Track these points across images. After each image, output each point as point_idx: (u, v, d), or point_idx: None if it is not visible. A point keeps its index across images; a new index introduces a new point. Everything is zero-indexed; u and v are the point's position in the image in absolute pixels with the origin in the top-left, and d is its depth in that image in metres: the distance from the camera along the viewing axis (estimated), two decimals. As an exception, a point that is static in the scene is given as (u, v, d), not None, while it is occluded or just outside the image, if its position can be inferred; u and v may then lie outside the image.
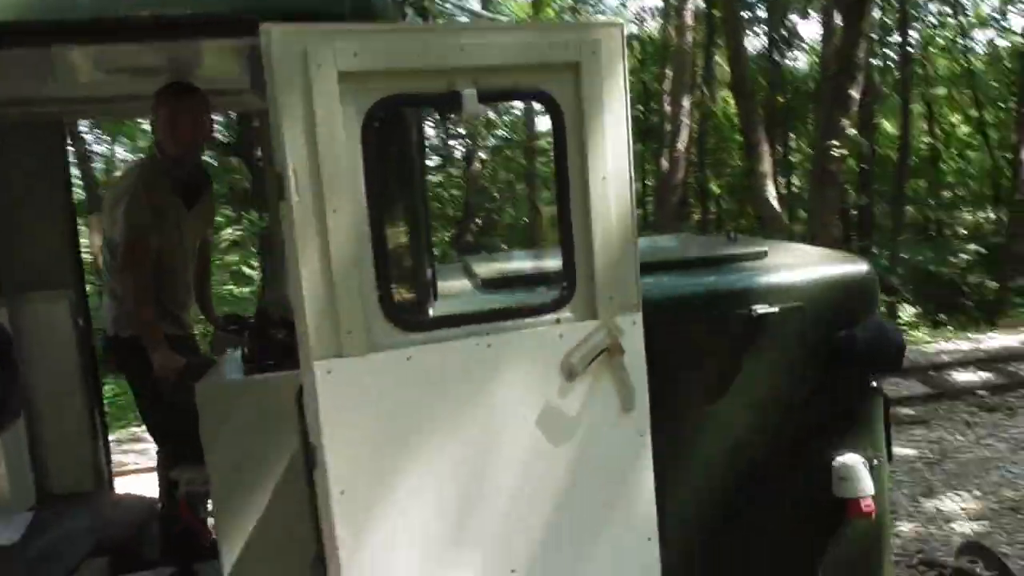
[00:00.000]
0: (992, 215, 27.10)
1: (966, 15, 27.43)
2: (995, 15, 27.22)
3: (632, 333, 2.15)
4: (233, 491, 2.74)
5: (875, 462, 2.63)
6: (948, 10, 27.39)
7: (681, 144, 19.90)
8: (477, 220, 23.50)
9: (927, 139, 28.96)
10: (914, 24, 27.24)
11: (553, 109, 2.06)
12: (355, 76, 1.90)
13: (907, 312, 25.04)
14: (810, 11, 26.00)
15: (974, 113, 27.58)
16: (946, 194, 28.28)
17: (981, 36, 29.43)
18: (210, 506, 3.07)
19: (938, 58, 28.87)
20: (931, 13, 27.98)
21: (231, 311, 3.88)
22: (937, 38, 28.17)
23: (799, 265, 2.71)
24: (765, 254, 2.81)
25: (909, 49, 26.89)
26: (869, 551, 2.73)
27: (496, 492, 2.10)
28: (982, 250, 23.34)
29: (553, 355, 2.13)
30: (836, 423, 2.64)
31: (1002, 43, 27.21)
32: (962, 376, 9.01)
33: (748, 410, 2.59)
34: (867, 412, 2.67)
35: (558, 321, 2.15)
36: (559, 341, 2.13)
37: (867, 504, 2.56)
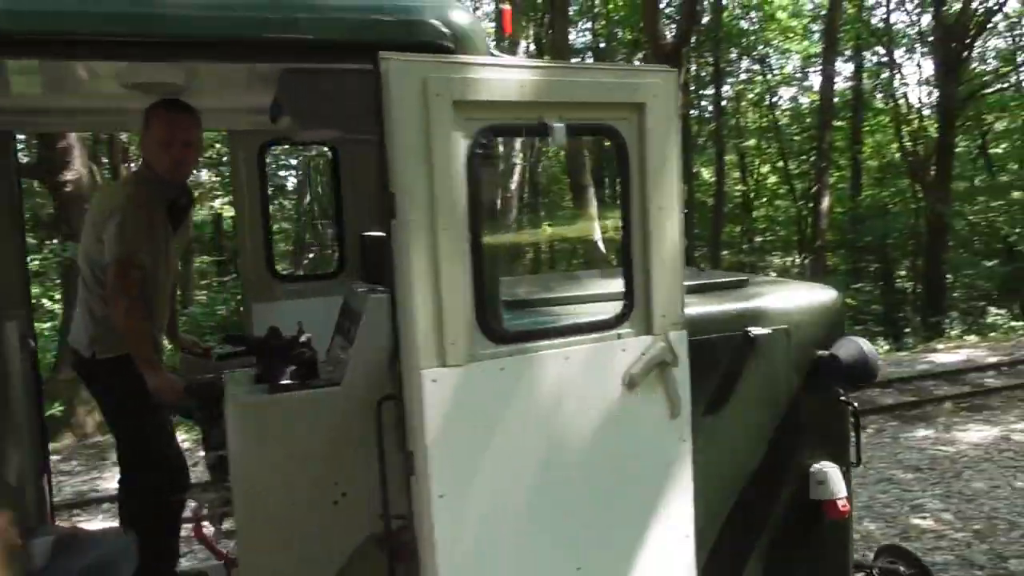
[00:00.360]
0: (797, 259, 30.17)
1: (772, 73, 30.92)
2: (798, 74, 30.88)
3: (680, 348, 2.50)
4: (260, 510, 2.76)
5: (844, 468, 3.13)
6: (757, 68, 30.74)
7: (513, 185, 20.83)
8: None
9: (740, 187, 32.04)
10: (727, 80, 30.35)
11: (619, 143, 2.39)
12: (466, 105, 2.14)
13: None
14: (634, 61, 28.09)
15: (781, 164, 30.94)
16: (758, 239, 31.38)
17: (786, 93, 33.20)
18: (224, 526, 3.03)
19: (748, 112, 32.21)
20: (742, 70, 31.29)
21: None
22: (748, 93, 31.47)
23: (779, 292, 3.20)
24: (747, 282, 3.28)
25: (722, 103, 29.95)
26: (839, 547, 3.23)
27: (569, 493, 2.36)
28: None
29: (616, 366, 2.44)
30: (813, 433, 3.12)
31: (804, 100, 30.75)
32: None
33: (743, 422, 3.01)
34: (839, 422, 3.18)
35: (619, 336, 2.46)
36: (621, 354, 2.44)
37: (843, 505, 3.04)
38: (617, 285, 2.54)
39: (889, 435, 8.62)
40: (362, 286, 3.24)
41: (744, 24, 29.95)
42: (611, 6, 28.28)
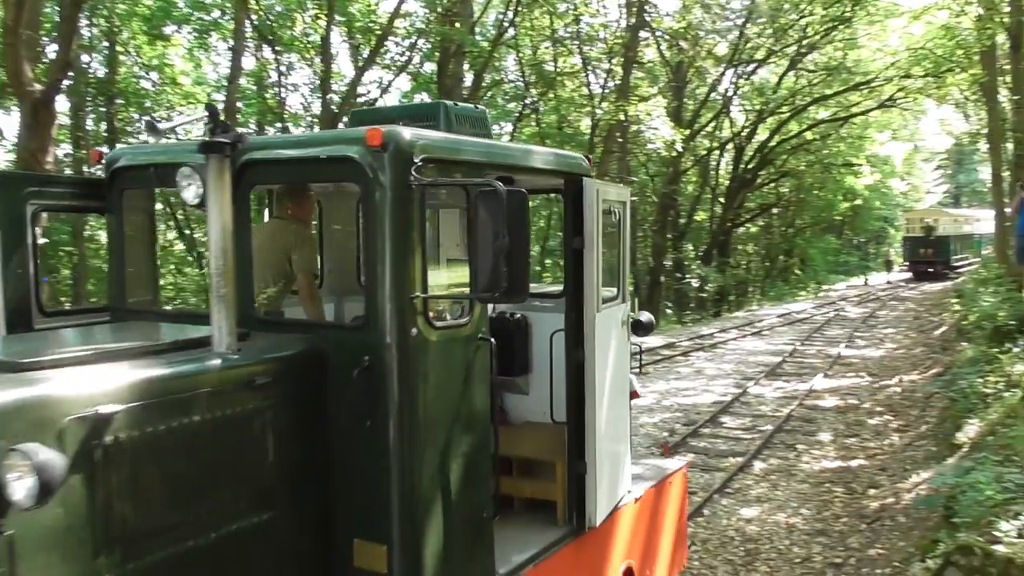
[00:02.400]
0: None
1: (177, 136, 33.04)
2: None
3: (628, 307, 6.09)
4: None
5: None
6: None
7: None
8: None
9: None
10: (125, 139, 31.37)
11: (620, 216, 5.92)
12: (605, 201, 5.43)
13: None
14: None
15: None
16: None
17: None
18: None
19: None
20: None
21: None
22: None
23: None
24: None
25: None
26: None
27: (619, 371, 5.76)
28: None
29: (619, 316, 5.88)
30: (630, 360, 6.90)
31: None
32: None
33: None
34: (633, 354, 7.03)
35: (619, 303, 5.93)
36: (619, 311, 5.89)
37: (638, 392, 6.78)
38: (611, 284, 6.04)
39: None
40: None
41: (146, 84, 31.57)
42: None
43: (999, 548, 4.76)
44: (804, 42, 39.33)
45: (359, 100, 29.64)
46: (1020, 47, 21.15)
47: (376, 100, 31.70)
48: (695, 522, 8.83)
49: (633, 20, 30.79)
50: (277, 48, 28.19)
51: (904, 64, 36.84)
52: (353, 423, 4.11)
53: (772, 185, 50.71)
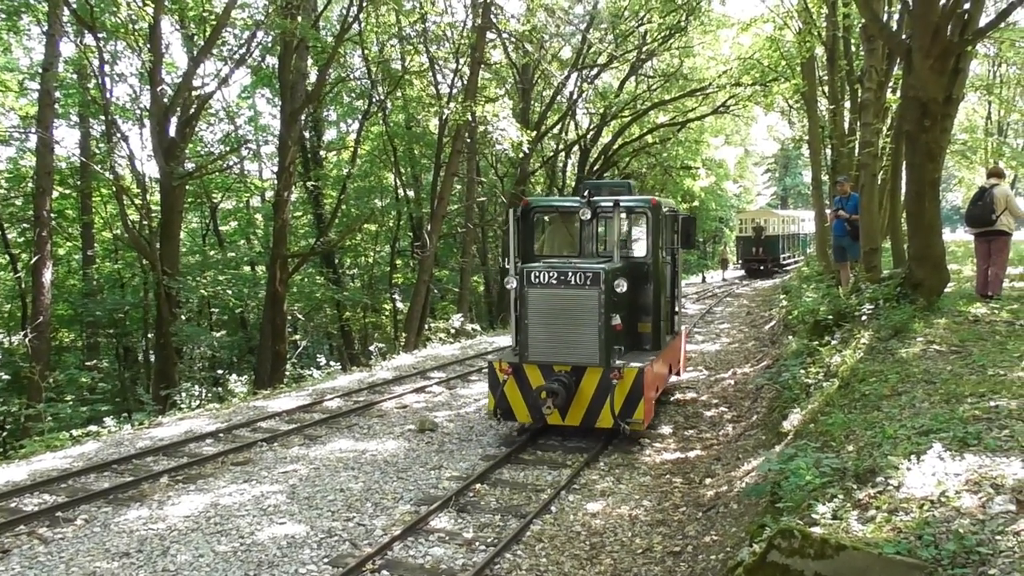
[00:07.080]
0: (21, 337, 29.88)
1: None
2: (17, 134, 31.43)
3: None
4: None
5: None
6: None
7: None
8: None
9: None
10: None
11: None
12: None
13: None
14: None
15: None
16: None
17: (3, 153, 33.16)
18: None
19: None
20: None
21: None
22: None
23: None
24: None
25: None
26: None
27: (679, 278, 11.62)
28: (5, 376, 26.30)
29: (680, 258, 12.29)
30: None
31: (26, 162, 31.40)
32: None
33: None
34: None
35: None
36: (681, 256, 11.67)
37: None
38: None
39: (100, 523, 9.16)
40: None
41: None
42: None
43: (816, 530, 5.08)
44: (643, 49, 40.83)
45: (194, 94, 28.28)
46: (835, 60, 22.75)
47: (213, 93, 30.34)
48: (543, 520, 8.99)
49: (479, 21, 30.97)
50: (100, 35, 26.24)
51: (735, 72, 38.85)
52: (640, 287, 12.94)
53: (615, 186, 51.95)
